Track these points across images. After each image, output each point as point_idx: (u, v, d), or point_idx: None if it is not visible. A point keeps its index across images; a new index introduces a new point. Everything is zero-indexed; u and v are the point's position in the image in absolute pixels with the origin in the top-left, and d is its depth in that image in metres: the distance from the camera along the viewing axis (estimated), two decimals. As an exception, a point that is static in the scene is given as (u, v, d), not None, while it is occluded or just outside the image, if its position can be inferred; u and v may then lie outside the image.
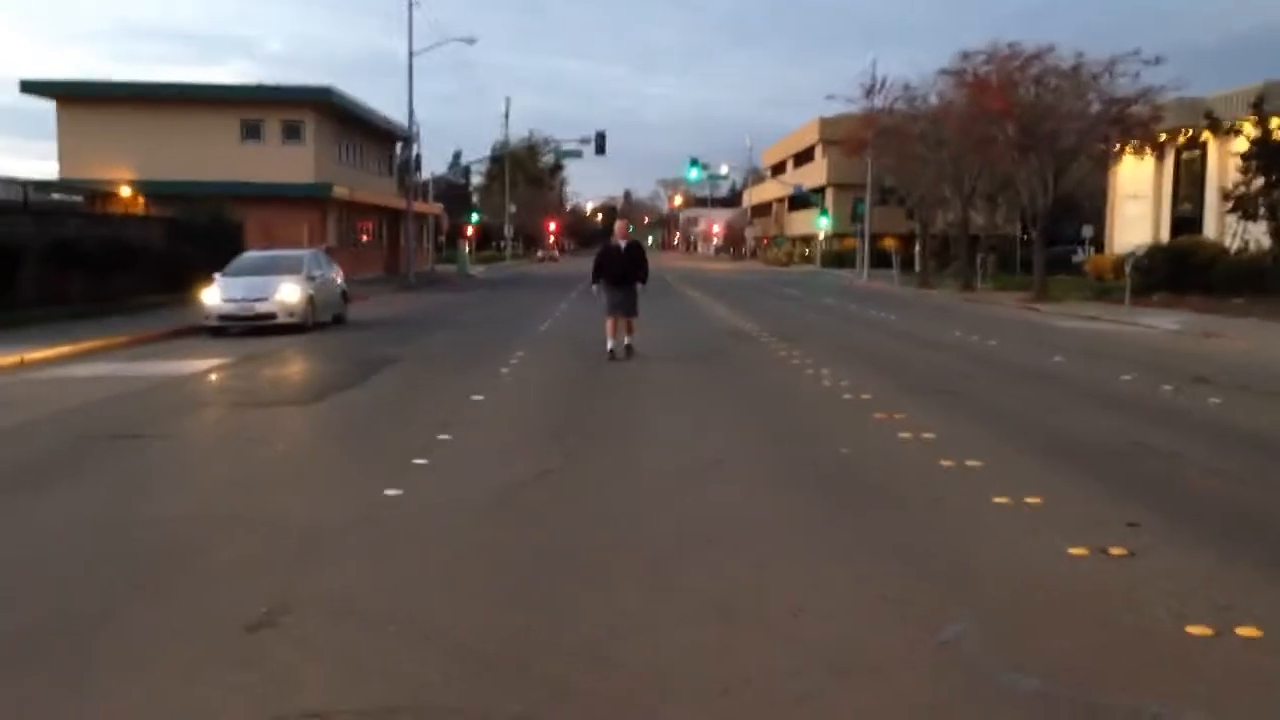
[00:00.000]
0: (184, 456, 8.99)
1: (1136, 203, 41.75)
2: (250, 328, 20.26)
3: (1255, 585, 5.36)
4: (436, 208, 65.36)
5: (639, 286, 16.01)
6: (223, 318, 20.38)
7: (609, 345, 15.70)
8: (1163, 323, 23.29)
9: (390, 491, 7.29)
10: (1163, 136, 36.11)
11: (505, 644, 4.57)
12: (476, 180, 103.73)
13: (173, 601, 5.15)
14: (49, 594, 5.30)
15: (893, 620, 4.88)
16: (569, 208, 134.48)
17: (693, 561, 5.77)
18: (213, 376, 14.36)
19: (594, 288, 16.20)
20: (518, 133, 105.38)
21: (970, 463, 8.23)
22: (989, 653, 4.46)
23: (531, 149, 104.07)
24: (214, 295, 20.56)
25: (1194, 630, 4.70)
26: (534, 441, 9.31)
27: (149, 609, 5.05)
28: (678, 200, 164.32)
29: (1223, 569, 5.63)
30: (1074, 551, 5.86)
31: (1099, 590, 5.28)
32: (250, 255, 24.19)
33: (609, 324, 15.82)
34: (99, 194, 36.68)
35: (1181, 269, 30.87)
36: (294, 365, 15.83)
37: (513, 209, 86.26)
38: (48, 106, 41.70)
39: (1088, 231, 41.21)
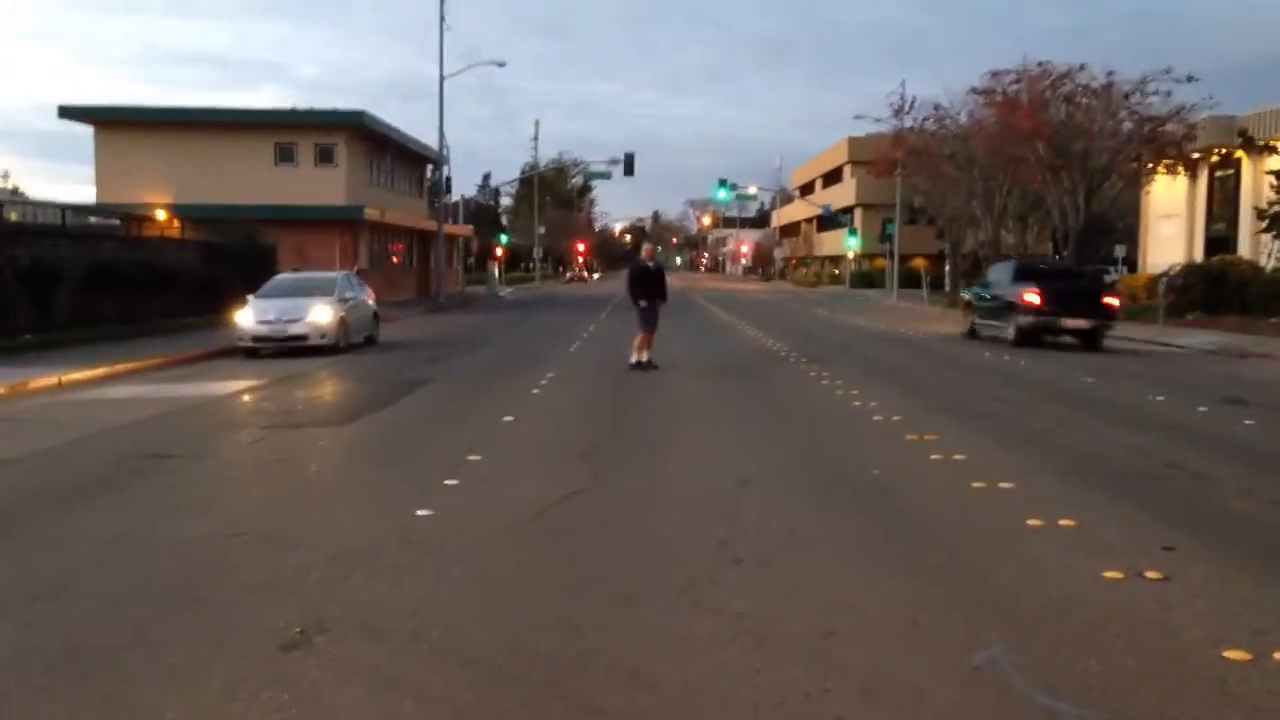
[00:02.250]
0: (219, 476, 9.09)
1: (1170, 222, 41.44)
2: (283, 349, 20.46)
3: (1293, 609, 5.29)
4: (467, 229, 65.79)
5: (660, 304, 17.56)
6: (256, 339, 20.59)
7: (633, 359, 17.04)
8: (1197, 343, 23.06)
9: (422, 512, 7.33)
10: (1196, 155, 35.87)
11: (536, 664, 4.58)
12: (506, 202, 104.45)
13: (208, 620, 5.20)
14: (89, 611, 5.37)
15: (925, 643, 4.85)
16: (597, 229, 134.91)
17: (723, 582, 5.76)
18: (247, 398, 14.51)
19: (641, 303, 17.27)
20: (547, 155, 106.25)
21: (1003, 485, 8.19)
22: (1023, 677, 4.43)
23: (560, 170, 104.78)
24: (248, 317, 20.78)
25: (1231, 654, 4.65)
26: (564, 462, 9.34)
27: (184, 627, 5.10)
28: (706, 221, 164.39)
29: (1259, 593, 5.57)
30: (1108, 575, 5.81)
31: (1134, 614, 5.23)
32: (283, 277, 24.45)
33: (639, 339, 17.15)
34: (135, 217, 37.19)
35: (1216, 289, 30.56)
36: (326, 387, 15.97)
37: (541, 230, 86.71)
38: (84, 131, 42.38)
39: (1120, 251, 40.94)
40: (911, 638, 4.93)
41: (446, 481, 8.37)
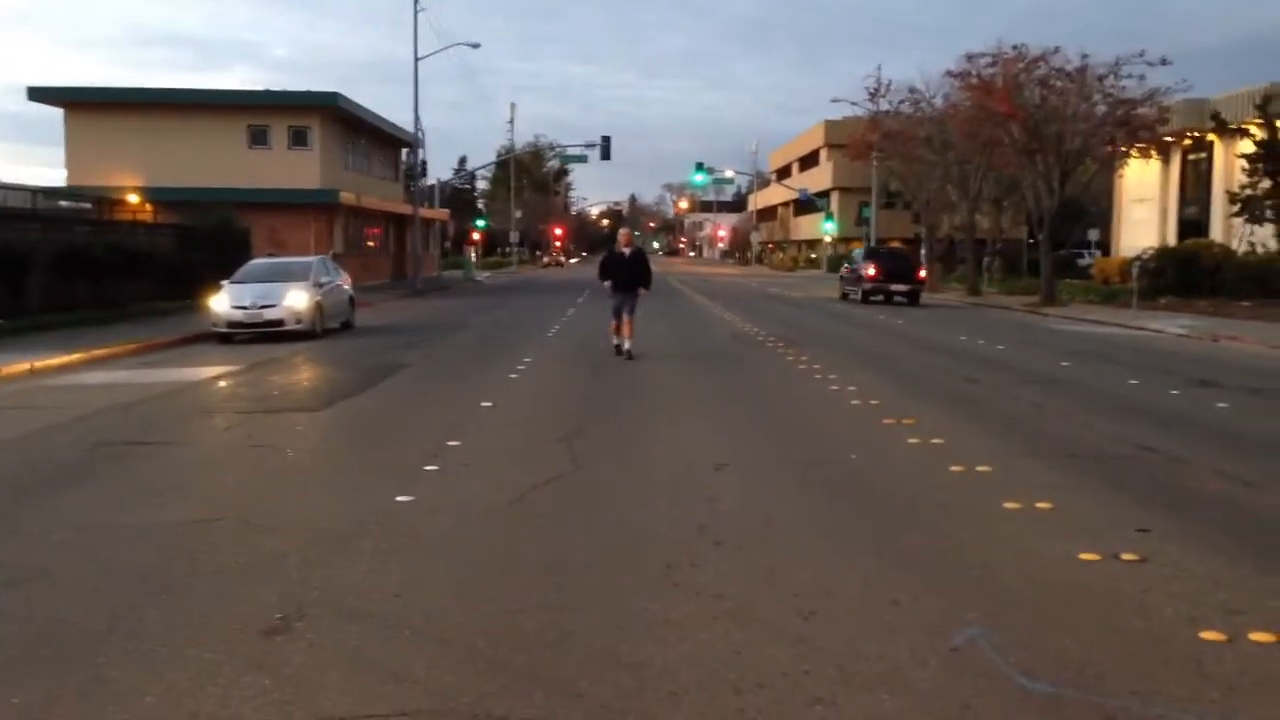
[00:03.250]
0: (196, 462, 9.03)
1: (1143, 206, 41.74)
2: (258, 334, 20.33)
3: (1268, 590, 5.36)
4: (443, 213, 65.47)
5: (641, 291, 17.21)
6: (231, 324, 20.45)
7: (614, 341, 17.10)
8: (1170, 326, 23.27)
9: (401, 497, 7.31)
10: (1169, 139, 36.10)
11: (517, 647, 4.59)
12: (482, 186, 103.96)
13: (186, 606, 5.17)
14: (66, 598, 5.33)
15: (904, 624, 4.89)
16: (574, 213, 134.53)
17: (702, 565, 5.78)
18: (223, 383, 14.41)
19: (605, 284, 17.41)
20: (523, 138, 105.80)
21: (980, 468, 8.24)
22: (1001, 657, 4.47)
23: (537, 154, 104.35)
24: (223, 302, 20.62)
25: (1207, 635, 4.71)
26: (543, 447, 9.33)
27: (163, 613, 5.07)
28: (683, 205, 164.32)
29: (1234, 573, 5.64)
30: (1085, 557, 5.87)
31: (1111, 595, 5.29)
32: (258, 262, 24.27)
33: (613, 324, 17.21)
34: (107, 200, 36.78)
35: (1189, 272, 30.85)
36: (303, 372, 15.88)
37: (518, 214, 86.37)
38: (54, 113, 41.84)
39: (1094, 235, 41.26)
40: (891, 619, 4.96)
41: (426, 467, 8.35)
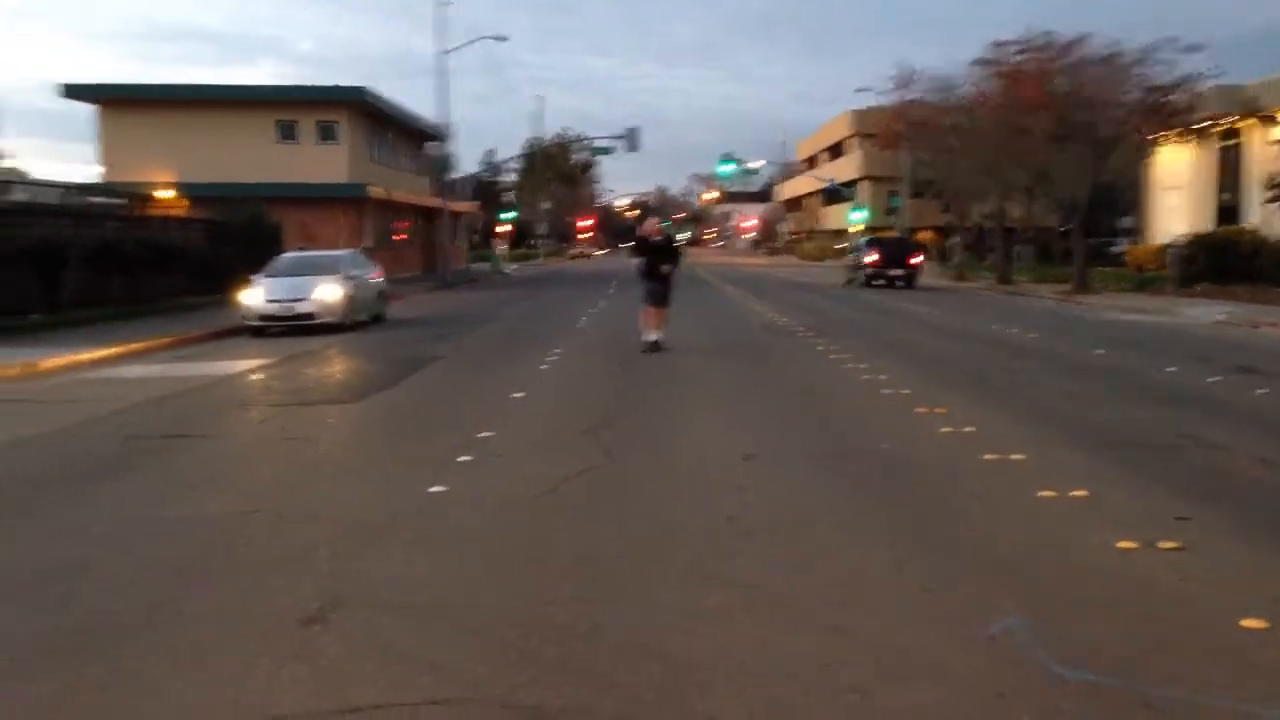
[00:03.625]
0: (231, 455, 9.10)
1: (1175, 193, 41.22)
2: (290, 327, 20.48)
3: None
4: (472, 206, 65.62)
5: (664, 269, 16.63)
6: (263, 318, 20.61)
7: (644, 336, 16.23)
8: (1207, 313, 22.99)
9: (435, 488, 7.34)
10: (1202, 125, 35.61)
11: (549, 637, 4.60)
12: (510, 178, 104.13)
13: (224, 597, 5.22)
14: (106, 588, 5.40)
15: (941, 613, 4.86)
16: (601, 205, 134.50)
17: (734, 555, 5.77)
18: (256, 376, 14.53)
19: (635, 262, 17.14)
20: (549, 130, 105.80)
21: (1014, 456, 8.18)
22: (1039, 646, 4.44)
23: (563, 146, 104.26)
24: (255, 296, 20.79)
25: (1248, 623, 4.65)
26: (575, 438, 9.34)
27: (201, 605, 5.13)
28: (710, 195, 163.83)
29: (1275, 561, 5.57)
30: (1122, 545, 5.81)
31: (1149, 583, 5.24)
32: (289, 256, 24.45)
33: (644, 314, 16.45)
34: (140, 196, 37.16)
35: (1223, 259, 30.43)
36: (335, 365, 15.98)
37: (546, 206, 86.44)
38: (82, 109, 42.29)
39: (1127, 222, 40.80)
40: (926, 608, 4.93)
41: (458, 459, 8.37)
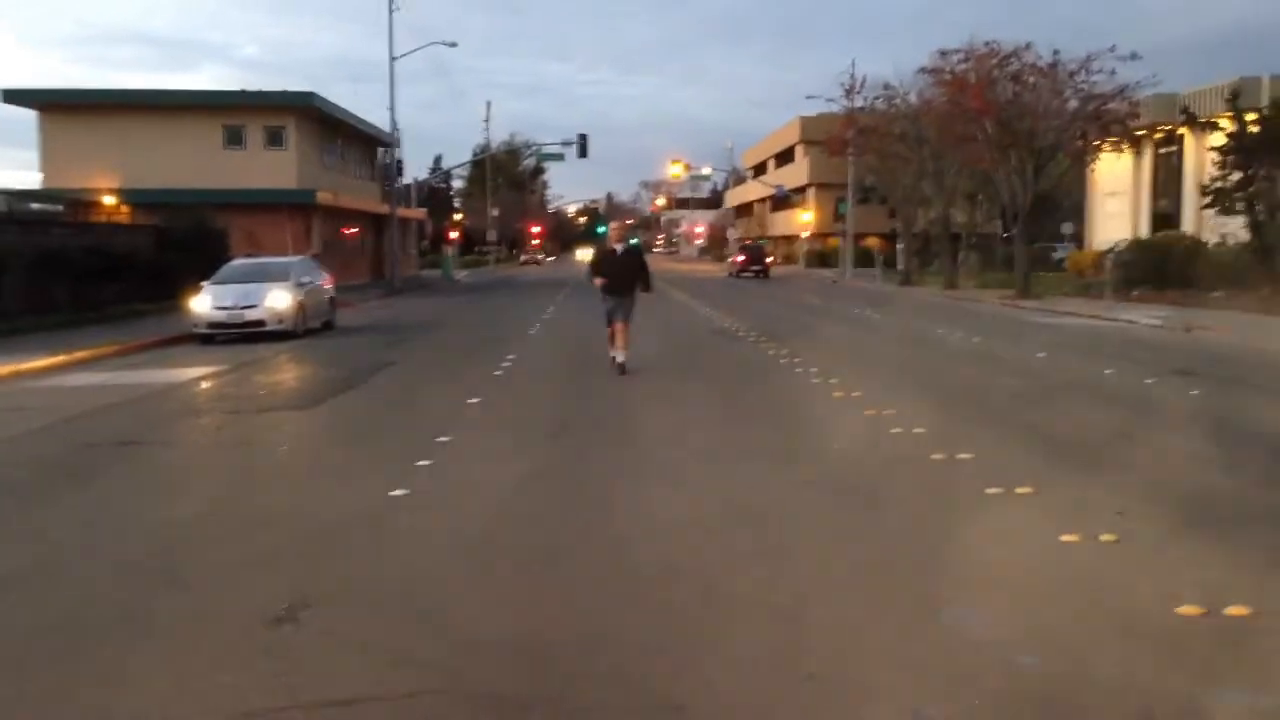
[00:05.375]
0: (189, 461, 9.11)
1: (1115, 199, 42.20)
2: (240, 335, 20.34)
3: (1241, 567, 5.56)
4: (420, 212, 65.35)
5: (638, 293, 14.75)
6: (213, 325, 20.45)
7: (611, 355, 14.45)
8: (1144, 317, 23.59)
9: (395, 492, 7.42)
10: (1140, 133, 36.52)
11: (518, 633, 4.72)
12: (458, 184, 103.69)
13: (192, 598, 5.29)
14: (73, 592, 5.44)
15: (893, 604, 5.05)
16: (551, 211, 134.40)
17: (694, 552, 5.93)
18: (208, 384, 14.45)
19: (597, 281, 14.71)
20: (499, 136, 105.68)
21: (961, 455, 8.43)
22: (988, 633, 4.64)
23: (513, 152, 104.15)
24: (204, 303, 20.61)
25: (1184, 610, 4.89)
26: (532, 441, 9.46)
27: (169, 605, 5.18)
28: (660, 202, 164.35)
29: (1209, 552, 5.84)
30: (1065, 538, 6.05)
31: (1091, 574, 5.47)
32: (238, 263, 24.24)
33: (609, 332, 14.60)
34: (82, 203, 36.60)
35: (1161, 264, 31.18)
36: (288, 371, 15.93)
37: (495, 213, 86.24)
38: (28, 115, 41.57)
39: (1068, 228, 41.72)
40: (880, 599, 5.13)
41: (417, 462, 8.45)
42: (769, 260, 59.92)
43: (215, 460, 9.12)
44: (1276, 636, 4.64)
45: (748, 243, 69.31)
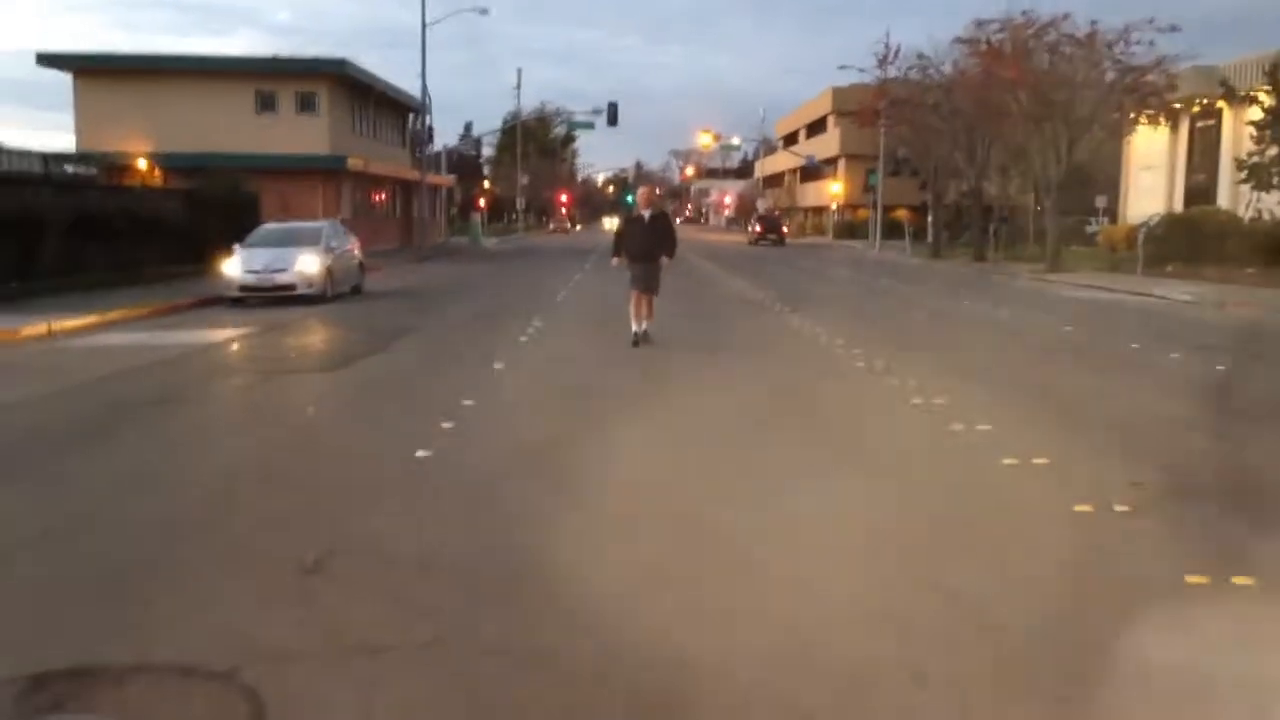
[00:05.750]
0: (219, 420, 9.30)
1: (1151, 173, 41.68)
2: (270, 298, 20.58)
3: (1251, 538, 5.61)
4: (450, 179, 65.48)
5: (664, 261, 14.19)
6: (243, 288, 20.70)
7: (633, 328, 14.00)
8: (1175, 293, 23.40)
9: (421, 453, 7.56)
10: (1177, 106, 36.02)
11: (538, 589, 4.85)
12: (488, 152, 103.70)
13: (224, 550, 5.45)
14: (107, 543, 5.62)
15: (904, 571, 5.14)
16: (580, 179, 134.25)
17: (711, 515, 6.04)
18: (238, 345, 14.68)
19: (614, 261, 14.69)
20: (529, 104, 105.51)
21: (981, 426, 8.47)
22: (999, 600, 4.73)
23: (543, 120, 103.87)
24: (235, 266, 20.86)
25: (1192, 579, 4.95)
26: (556, 406, 9.60)
27: (202, 556, 5.35)
28: (689, 171, 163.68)
29: (1221, 524, 5.89)
30: (1079, 508, 6.11)
31: (1103, 542, 5.55)
32: (269, 227, 24.46)
33: (632, 302, 14.13)
34: (116, 166, 36.91)
35: (1195, 239, 30.82)
36: (316, 334, 16.13)
37: (525, 180, 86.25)
38: (61, 79, 41.91)
39: (1101, 202, 41.19)
40: (890, 566, 5.23)
41: (443, 424, 8.59)
42: (784, 229, 66.59)
43: (244, 420, 9.31)
44: (1283, 606, 4.70)
45: (763, 214, 75.58)
